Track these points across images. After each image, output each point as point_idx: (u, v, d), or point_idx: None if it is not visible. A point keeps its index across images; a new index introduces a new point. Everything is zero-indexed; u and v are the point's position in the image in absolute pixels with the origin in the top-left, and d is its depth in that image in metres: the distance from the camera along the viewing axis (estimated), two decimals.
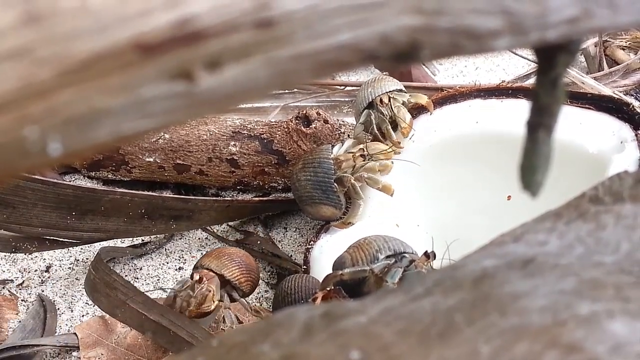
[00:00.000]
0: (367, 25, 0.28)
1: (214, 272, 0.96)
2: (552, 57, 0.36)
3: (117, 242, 1.15)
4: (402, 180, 1.11)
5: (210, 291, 0.92)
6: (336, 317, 0.41)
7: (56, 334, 1.03)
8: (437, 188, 1.14)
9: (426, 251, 0.92)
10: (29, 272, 1.11)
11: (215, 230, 1.21)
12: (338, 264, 0.96)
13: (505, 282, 0.42)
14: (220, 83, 0.28)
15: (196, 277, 0.94)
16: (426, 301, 0.41)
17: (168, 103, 0.27)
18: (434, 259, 0.92)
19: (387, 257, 0.93)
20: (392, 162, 1.09)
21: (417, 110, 1.14)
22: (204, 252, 1.16)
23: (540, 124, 0.37)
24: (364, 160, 1.08)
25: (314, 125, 1.20)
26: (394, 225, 1.12)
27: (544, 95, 0.37)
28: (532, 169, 0.38)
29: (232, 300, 0.98)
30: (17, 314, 1.05)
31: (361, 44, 0.28)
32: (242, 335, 0.42)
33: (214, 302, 0.93)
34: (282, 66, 0.28)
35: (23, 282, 1.09)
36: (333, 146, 1.13)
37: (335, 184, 1.07)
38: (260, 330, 0.41)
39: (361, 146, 1.09)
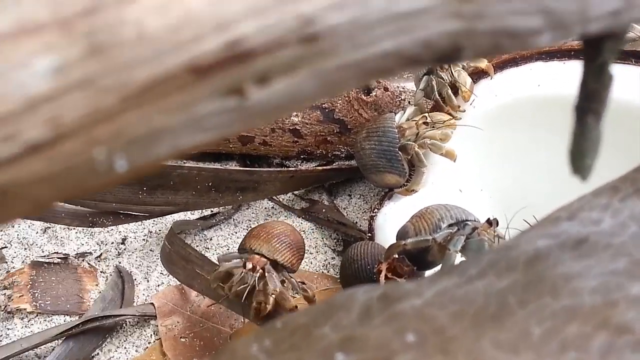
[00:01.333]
0: (409, 33, 0.29)
1: (265, 257, 0.94)
2: (598, 44, 0.36)
3: (188, 215, 1.19)
4: (464, 146, 1.11)
5: (278, 290, 0.91)
6: (393, 299, 0.42)
7: (134, 304, 1.08)
8: (500, 153, 1.13)
9: (489, 218, 0.92)
10: (106, 244, 1.16)
11: (281, 200, 1.23)
12: (401, 234, 0.97)
13: (558, 263, 0.43)
14: (270, 96, 0.29)
15: (249, 265, 0.92)
16: (480, 283, 0.42)
17: (222, 118, 0.29)
18: (497, 225, 0.93)
19: (450, 225, 0.94)
20: (452, 132, 1.09)
21: (477, 75, 1.14)
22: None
23: (588, 109, 0.38)
24: (426, 128, 1.08)
25: (374, 93, 1.20)
26: (457, 191, 1.12)
27: (592, 80, 0.37)
28: (581, 154, 0.39)
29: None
30: (96, 285, 1.10)
31: (404, 51, 0.29)
32: (305, 318, 0.44)
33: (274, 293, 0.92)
34: (327, 77, 0.29)
35: (101, 254, 1.14)
36: (395, 114, 1.13)
37: (399, 152, 1.08)
38: (322, 312, 0.44)
39: (424, 114, 1.09)
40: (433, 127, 1.07)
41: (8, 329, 1.02)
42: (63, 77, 0.28)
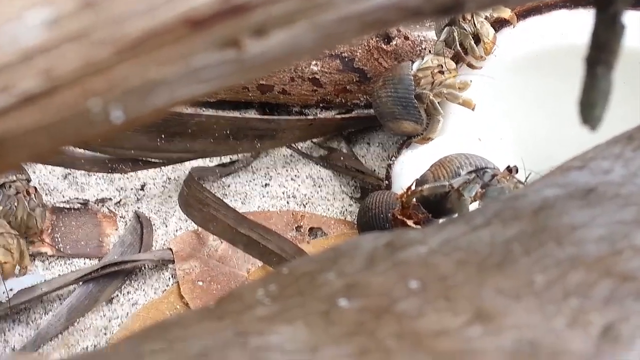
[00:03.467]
0: None
1: None
2: None
3: (206, 162, 1.20)
4: (485, 95, 1.10)
5: None
6: (398, 247, 0.43)
7: (153, 249, 1.10)
8: (521, 102, 1.12)
9: (508, 166, 0.92)
10: (125, 190, 1.17)
11: (299, 148, 1.24)
12: (420, 182, 0.97)
13: (565, 212, 0.43)
14: (267, 49, 0.29)
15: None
16: (485, 232, 0.43)
17: (219, 69, 0.29)
18: (517, 172, 0.92)
19: (469, 172, 0.94)
20: (471, 81, 1.08)
21: (499, 24, 1.12)
22: (289, 169, 1.20)
23: (599, 60, 0.37)
24: (442, 76, 1.08)
25: (394, 42, 1.20)
26: (476, 140, 1.12)
27: (603, 30, 0.37)
28: (591, 105, 0.38)
29: None
30: (116, 230, 1.12)
31: (405, 2, 0.29)
32: (311, 264, 0.44)
33: None
34: (326, 30, 0.29)
35: (120, 200, 1.16)
36: (413, 62, 1.13)
37: (415, 100, 1.08)
38: (328, 259, 0.44)
39: (440, 62, 1.08)
40: (449, 75, 1.06)
41: (30, 271, 1.05)
42: (57, 29, 0.28)
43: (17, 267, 0.95)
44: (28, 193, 1.04)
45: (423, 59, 1.12)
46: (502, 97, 1.12)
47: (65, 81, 0.28)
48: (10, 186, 1.04)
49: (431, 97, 1.07)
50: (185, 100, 0.29)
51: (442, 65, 1.08)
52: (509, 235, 0.42)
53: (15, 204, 1.03)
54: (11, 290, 0.96)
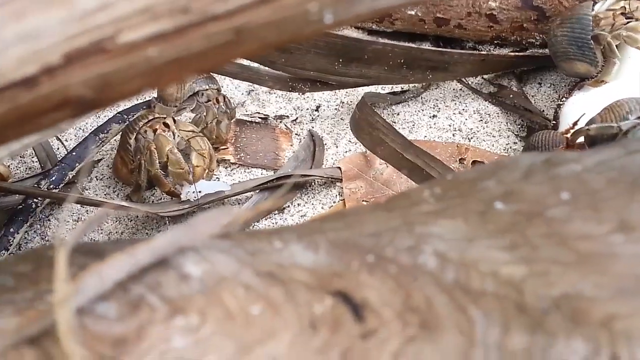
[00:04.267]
0: None
1: None
2: None
3: (378, 89, 1.26)
4: None
5: None
6: (554, 164, 0.47)
7: (323, 166, 1.18)
8: None
9: None
10: (302, 110, 1.25)
11: (469, 83, 1.27)
12: (589, 124, 0.98)
13: None
14: None
15: None
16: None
17: None
18: None
19: (639, 117, 0.94)
20: None
21: None
22: (458, 103, 1.24)
23: None
24: (625, 19, 1.06)
25: None
26: None
27: None
28: None
29: None
30: (291, 145, 1.21)
31: None
32: (472, 173, 0.50)
33: None
34: None
35: (296, 118, 1.24)
36: (595, 3, 1.11)
37: (591, 41, 1.07)
38: (488, 170, 0.49)
39: (623, 4, 1.06)
40: (631, 18, 1.05)
41: (215, 175, 1.16)
42: None
43: (206, 170, 1.06)
44: (217, 101, 1.14)
45: (607, 0, 1.11)
46: None
47: None
48: (202, 94, 1.15)
49: (609, 38, 1.06)
50: (382, 9, 0.35)
51: (625, 7, 1.06)
52: None
53: (205, 112, 1.14)
54: (200, 192, 1.06)
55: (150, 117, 1.08)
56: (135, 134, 1.07)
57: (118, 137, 1.14)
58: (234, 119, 1.19)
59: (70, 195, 1.08)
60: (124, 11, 0.35)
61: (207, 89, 1.15)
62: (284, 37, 0.36)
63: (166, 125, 1.06)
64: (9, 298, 0.41)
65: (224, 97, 1.16)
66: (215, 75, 1.19)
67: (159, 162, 1.04)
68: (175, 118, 1.10)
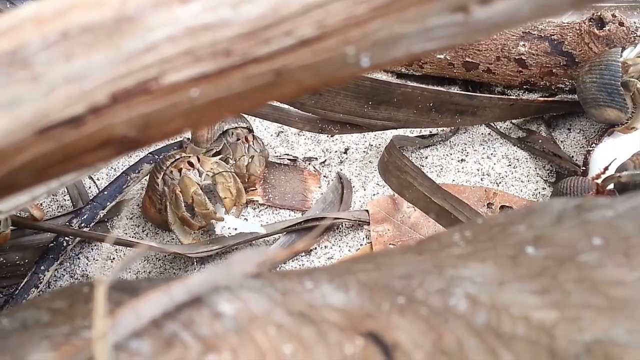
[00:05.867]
0: None
1: None
2: None
3: (407, 132, 1.27)
4: None
5: None
6: (586, 209, 0.47)
7: (351, 209, 1.18)
8: None
9: None
10: (330, 152, 1.26)
11: (498, 127, 1.27)
12: (620, 170, 0.97)
13: None
14: (491, 14, 0.35)
15: None
16: None
17: (448, 30, 0.36)
18: None
19: None
20: None
21: None
22: (486, 147, 1.24)
23: None
24: None
25: (607, 28, 1.19)
26: None
27: None
28: None
29: None
30: (319, 187, 1.22)
31: None
32: (503, 218, 0.50)
33: None
34: (542, 1, 0.35)
35: (325, 160, 1.25)
36: (624, 49, 1.12)
37: (621, 87, 1.08)
38: (519, 215, 0.49)
39: None
40: None
41: (243, 216, 1.17)
42: None
43: (235, 203, 1.08)
44: (247, 140, 1.16)
45: (636, 47, 1.11)
46: None
47: (332, 30, 0.36)
48: (232, 133, 1.17)
49: (638, 85, 1.06)
50: (417, 54, 0.36)
51: None
52: None
53: (233, 151, 1.15)
54: (235, 229, 1.07)
55: (177, 157, 1.10)
56: (162, 174, 1.08)
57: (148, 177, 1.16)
58: (268, 158, 1.20)
59: (108, 236, 1.09)
60: (168, 53, 0.36)
61: (235, 128, 1.16)
62: (322, 79, 0.37)
63: (190, 164, 1.08)
64: (45, 333, 0.42)
65: (254, 136, 1.17)
66: (245, 116, 1.21)
67: (185, 203, 1.06)
68: (200, 156, 1.11)
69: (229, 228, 1.06)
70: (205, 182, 1.08)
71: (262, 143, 1.18)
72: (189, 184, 1.06)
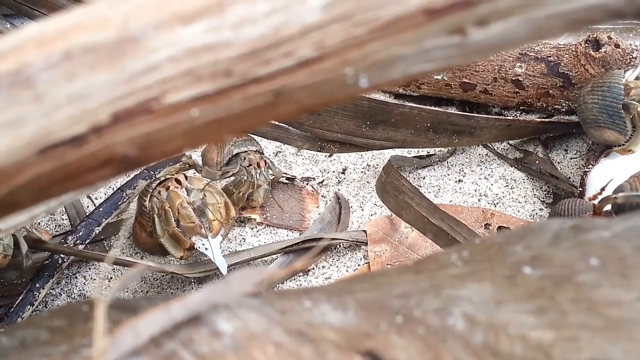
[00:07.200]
0: None
1: None
2: None
3: (404, 152, 1.27)
4: None
5: None
6: (583, 230, 0.47)
7: (348, 229, 1.18)
8: None
9: None
10: (328, 172, 1.27)
11: (495, 148, 1.28)
12: (617, 191, 0.98)
13: None
14: (487, 37, 0.36)
15: None
16: None
17: (445, 52, 0.36)
18: None
19: None
20: None
21: None
22: (483, 168, 1.25)
23: None
24: None
25: (603, 49, 1.19)
26: None
27: None
28: None
29: None
30: (317, 207, 1.22)
31: (609, 5, 0.34)
32: (500, 238, 0.50)
33: None
34: (537, 24, 0.35)
35: (323, 180, 1.26)
36: (625, 71, 1.13)
37: (622, 110, 1.08)
38: (516, 235, 0.49)
39: None
40: None
41: (241, 235, 1.17)
42: (329, 12, 0.37)
43: (223, 224, 1.07)
44: (259, 166, 1.15)
45: (636, 68, 1.12)
46: None
47: (331, 51, 0.37)
48: (244, 158, 1.16)
49: (639, 108, 1.07)
50: (415, 75, 0.37)
51: None
52: None
53: (245, 177, 1.14)
54: (207, 249, 1.06)
55: (163, 179, 1.10)
56: (149, 196, 1.08)
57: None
58: (280, 178, 1.21)
59: (107, 256, 1.09)
60: (169, 73, 0.36)
61: (247, 152, 1.16)
62: (321, 100, 0.38)
63: (178, 181, 1.08)
64: (44, 351, 0.42)
65: (265, 160, 1.17)
66: (256, 138, 1.21)
67: (174, 220, 1.05)
68: (188, 174, 1.11)
69: (206, 248, 1.06)
70: (194, 199, 1.08)
71: (274, 165, 1.18)
72: (174, 198, 1.05)
